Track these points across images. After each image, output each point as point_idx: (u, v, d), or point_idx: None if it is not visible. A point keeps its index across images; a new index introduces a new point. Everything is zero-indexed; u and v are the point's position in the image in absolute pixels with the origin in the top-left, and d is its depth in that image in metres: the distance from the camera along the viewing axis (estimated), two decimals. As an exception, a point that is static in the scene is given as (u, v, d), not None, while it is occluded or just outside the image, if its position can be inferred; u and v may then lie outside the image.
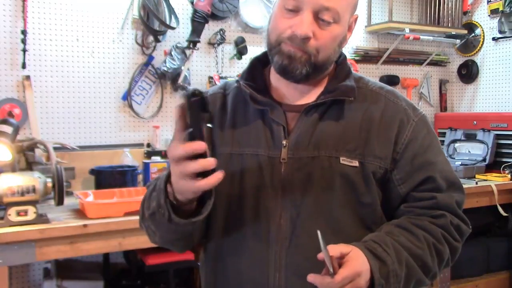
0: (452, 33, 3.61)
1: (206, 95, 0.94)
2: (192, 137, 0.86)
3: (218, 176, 0.86)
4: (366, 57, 3.48)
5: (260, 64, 1.14)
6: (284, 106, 1.07)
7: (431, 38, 3.58)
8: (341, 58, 1.11)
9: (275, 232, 1.01)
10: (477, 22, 3.63)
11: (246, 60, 3.03)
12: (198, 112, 0.87)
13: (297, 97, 1.08)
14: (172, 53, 2.75)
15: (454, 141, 3.35)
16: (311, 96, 1.07)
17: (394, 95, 1.10)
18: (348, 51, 3.39)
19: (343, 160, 1.01)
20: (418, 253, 1.01)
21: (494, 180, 2.87)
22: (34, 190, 1.78)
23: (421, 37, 3.50)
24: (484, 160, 3.11)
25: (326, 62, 1.02)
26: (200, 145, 0.85)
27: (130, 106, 2.72)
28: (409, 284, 1.00)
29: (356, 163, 1.01)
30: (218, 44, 2.94)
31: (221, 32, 2.93)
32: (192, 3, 2.79)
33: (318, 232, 0.85)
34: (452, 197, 1.08)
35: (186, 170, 0.86)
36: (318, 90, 1.07)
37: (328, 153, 1.02)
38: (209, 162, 0.85)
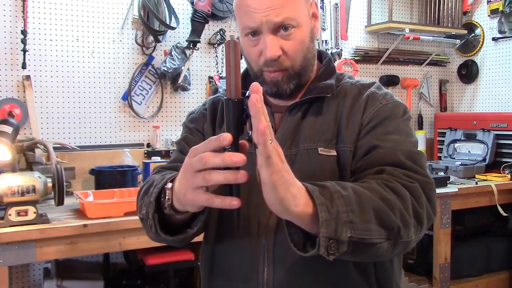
0: (452, 33, 3.61)
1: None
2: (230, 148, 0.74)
3: (233, 202, 0.76)
4: (366, 57, 3.48)
5: None
6: (273, 108, 1.12)
7: (431, 38, 3.58)
8: (326, 60, 1.15)
9: (264, 226, 1.03)
10: (477, 22, 3.63)
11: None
12: (240, 116, 0.75)
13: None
14: (172, 53, 2.75)
15: (454, 141, 3.35)
16: (297, 97, 1.11)
17: (368, 86, 1.10)
18: (348, 51, 3.39)
19: (321, 151, 1.03)
20: (363, 185, 0.88)
21: (494, 180, 2.87)
22: (34, 190, 1.78)
23: (421, 37, 3.50)
24: (484, 160, 3.11)
25: (305, 63, 1.06)
26: (240, 158, 0.73)
27: (130, 106, 2.72)
28: (365, 212, 0.83)
29: (334, 153, 1.03)
30: (218, 44, 2.94)
31: (221, 32, 2.93)
32: (192, 3, 2.79)
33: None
34: (393, 149, 0.96)
35: (210, 180, 0.76)
36: (303, 91, 1.11)
37: (307, 146, 1.05)
38: (240, 173, 0.75)
